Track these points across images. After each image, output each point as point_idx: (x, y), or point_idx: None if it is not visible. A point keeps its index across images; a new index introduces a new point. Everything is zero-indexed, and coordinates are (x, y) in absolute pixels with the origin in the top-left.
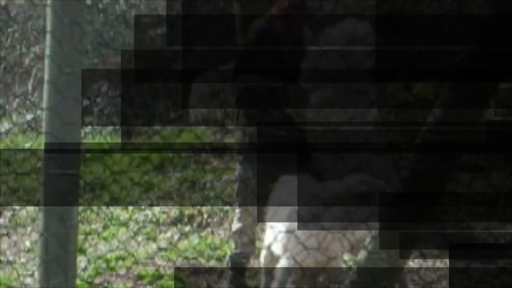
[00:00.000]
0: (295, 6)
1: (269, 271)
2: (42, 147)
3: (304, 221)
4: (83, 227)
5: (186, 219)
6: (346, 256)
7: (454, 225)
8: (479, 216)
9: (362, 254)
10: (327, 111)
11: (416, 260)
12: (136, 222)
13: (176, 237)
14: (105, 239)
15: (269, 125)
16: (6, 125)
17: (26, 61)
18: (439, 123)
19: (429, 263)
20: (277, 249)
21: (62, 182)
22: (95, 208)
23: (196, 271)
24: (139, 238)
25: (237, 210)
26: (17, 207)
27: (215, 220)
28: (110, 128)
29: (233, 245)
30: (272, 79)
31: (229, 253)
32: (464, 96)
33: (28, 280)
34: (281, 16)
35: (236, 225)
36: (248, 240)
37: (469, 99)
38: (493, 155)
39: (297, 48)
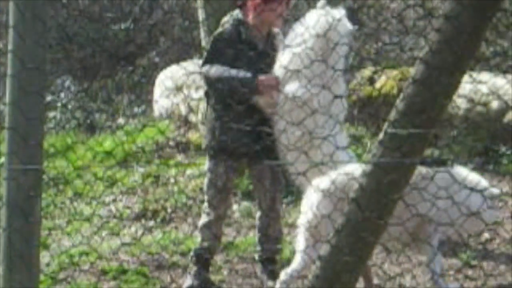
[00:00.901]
0: None
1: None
2: (5, 141)
3: None
4: (46, 223)
5: (150, 214)
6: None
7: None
8: None
9: (325, 249)
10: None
11: (380, 255)
12: (100, 217)
13: (140, 232)
14: (68, 234)
15: (236, 118)
16: None
17: None
18: (402, 117)
19: (393, 257)
20: None
21: (25, 177)
22: (58, 203)
23: (160, 266)
24: (103, 233)
25: (205, 205)
26: None
27: (179, 215)
28: (73, 123)
29: (199, 239)
30: (243, 70)
31: (194, 247)
32: (427, 90)
33: None
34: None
35: (203, 220)
36: (215, 235)
37: (432, 93)
38: (456, 148)
39: (270, 40)
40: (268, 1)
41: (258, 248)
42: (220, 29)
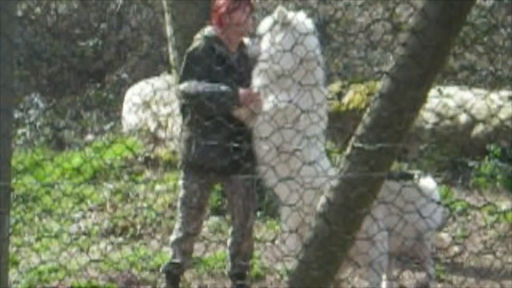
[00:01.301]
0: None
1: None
2: None
3: None
4: (15, 240)
5: (119, 230)
6: (278, 266)
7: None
8: None
9: (294, 264)
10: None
11: (349, 270)
12: (69, 234)
13: (109, 248)
14: (37, 251)
15: (213, 134)
16: None
17: None
18: (369, 131)
19: (362, 270)
20: None
21: None
22: (27, 220)
23: (129, 282)
24: (73, 250)
25: (178, 220)
26: None
27: (148, 231)
28: (42, 140)
29: (170, 255)
30: (220, 84)
31: (165, 262)
32: (393, 104)
33: None
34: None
35: (175, 236)
36: (186, 251)
37: (399, 107)
38: (424, 162)
39: (243, 52)
40: (231, 10)
41: (229, 263)
42: (194, 45)
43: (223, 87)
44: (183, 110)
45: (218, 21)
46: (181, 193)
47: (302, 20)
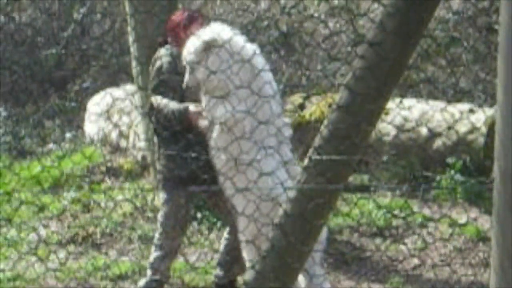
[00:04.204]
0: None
1: None
2: None
3: None
4: None
5: (79, 239)
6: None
7: (346, 243)
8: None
9: (250, 274)
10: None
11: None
12: (28, 242)
13: (68, 257)
14: None
15: (185, 147)
16: None
17: None
18: (326, 143)
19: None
20: None
21: None
22: None
23: None
24: (32, 259)
25: (158, 237)
26: None
27: (108, 240)
28: (4, 148)
29: (149, 272)
30: (174, 101)
31: (144, 280)
32: (350, 116)
33: None
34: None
35: (156, 253)
36: (168, 268)
37: (356, 119)
38: (385, 174)
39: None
40: (187, 26)
41: (219, 271)
42: (159, 62)
43: (175, 105)
44: (157, 126)
45: (174, 37)
46: (164, 209)
47: (241, 44)
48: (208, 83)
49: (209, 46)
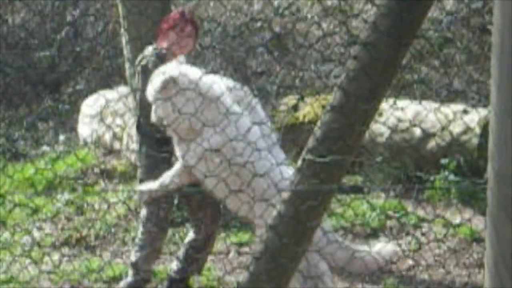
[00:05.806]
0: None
1: None
2: None
3: None
4: None
5: (73, 242)
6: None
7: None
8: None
9: (244, 276)
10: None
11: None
12: (22, 245)
13: (62, 259)
14: None
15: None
16: None
17: None
18: (320, 144)
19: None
20: None
21: None
22: None
23: None
24: (26, 261)
25: (140, 237)
26: None
27: (102, 242)
28: None
29: (131, 272)
30: None
31: (126, 279)
32: (344, 117)
33: None
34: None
35: (138, 254)
36: (150, 269)
37: (349, 120)
38: (379, 175)
39: None
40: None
41: (176, 263)
42: (145, 61)
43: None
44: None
45: (164, 39)
46: (145, 210)
47: (209, 84)
48: (172, 122)
49: (172, 84)
